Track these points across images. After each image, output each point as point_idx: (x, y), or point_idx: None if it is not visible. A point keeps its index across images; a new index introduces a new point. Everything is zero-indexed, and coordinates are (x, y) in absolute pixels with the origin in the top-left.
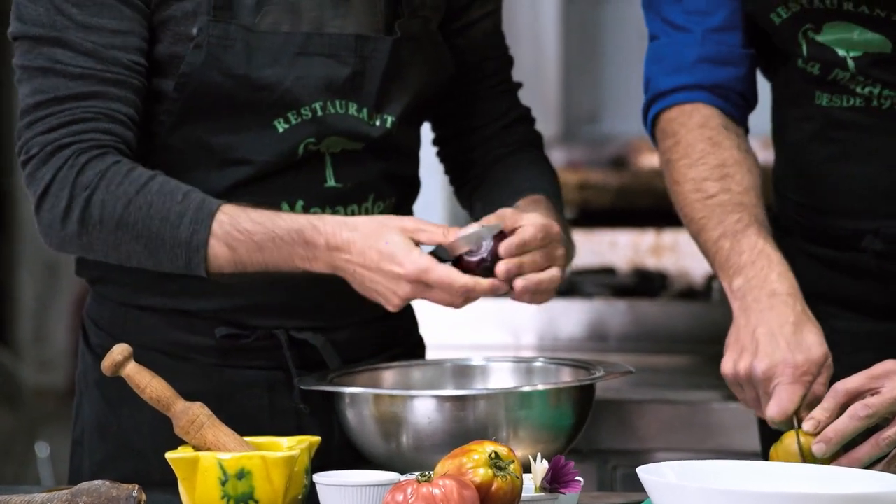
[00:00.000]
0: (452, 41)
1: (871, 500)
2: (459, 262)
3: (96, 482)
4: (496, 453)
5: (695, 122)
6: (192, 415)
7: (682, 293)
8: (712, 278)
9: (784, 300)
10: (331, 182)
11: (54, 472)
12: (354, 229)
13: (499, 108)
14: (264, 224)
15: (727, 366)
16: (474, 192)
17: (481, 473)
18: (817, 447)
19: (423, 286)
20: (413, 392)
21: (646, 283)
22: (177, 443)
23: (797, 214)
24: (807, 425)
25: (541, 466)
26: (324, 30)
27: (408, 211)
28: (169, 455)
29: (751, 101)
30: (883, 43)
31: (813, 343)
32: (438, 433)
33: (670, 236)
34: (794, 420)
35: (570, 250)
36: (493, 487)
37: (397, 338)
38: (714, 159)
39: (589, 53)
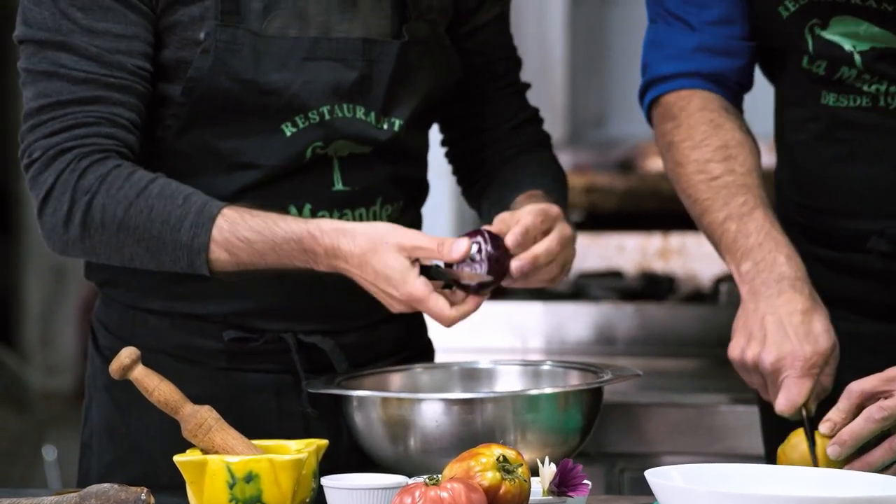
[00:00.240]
0: (460, 44)
1: None
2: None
3: (105, 485)
4: (504, 457)
5: (695, 106)
6: (200, 418)
7: (690, 296)
8: (720, 281)
9: (792, 284)
10: (338, 186)
11: (61, 475)
12: (353, 240)
13: (507, 109)
14: (263, 233)
15: (735, 351)
16: (482, 192)
17: (489, 477)
18: (832, 450)
19: (414, 307)
20: (421, 395)
21: (653, 287)
22: (185, 446)
23: (799, 216)
24: (823, 427)
25: (549, 470)
26: (331, 34)
27: (416, 214)
28: (177, 458)
29: (746, 87)
30: (890, 38)
31: (821, 333)
32: (446, 436)
33: (677, 239)
34: (802, 412)
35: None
36: (502, 491)
37: (406, 341)
38: (717, 141)
39: (595, 56)
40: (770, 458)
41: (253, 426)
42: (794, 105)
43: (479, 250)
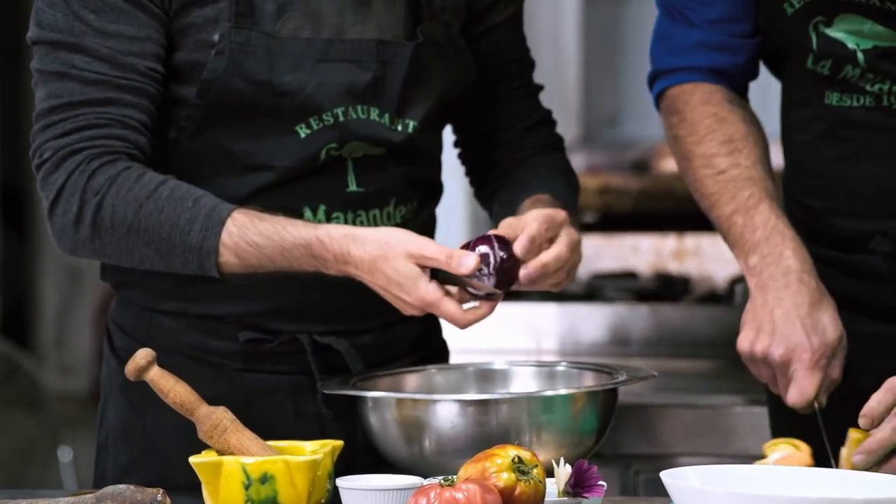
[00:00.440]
0: (474, 45)
1: None
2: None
3: (121, 486)
4: (519, 457)
5: (697, 100)
6: (215, 419)
7: (705, 297)
8: (735, 282)
9: (799, 277)
10: (353, 187)
11: (77, 476)
12: (363, 247)
13: (520, 110)
14: (272, 238)
15: (744, 344)
16: (494, 194)
17: (504, 478)
18: (858, 458)
19: (426, 311)
20: (436, 396)
21: (668, 288)
22: (201, 447)
23: (804, 216)
24: (862, 421)
25: (564, 471)
26: (345, 35)
27: (430, 215)
28: (192, 459)
29: (750, 77)
30: (893, 36)
31: (828, 324)
32: (461, 437)
33: (692, 240)
34: (814, 404)
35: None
36: (517, 492)
37: (421, 342)
38: (721, 135)
39: (609, 56)
40: None
41: (268, 427)
42: (798, 105)
43: (488, 261)
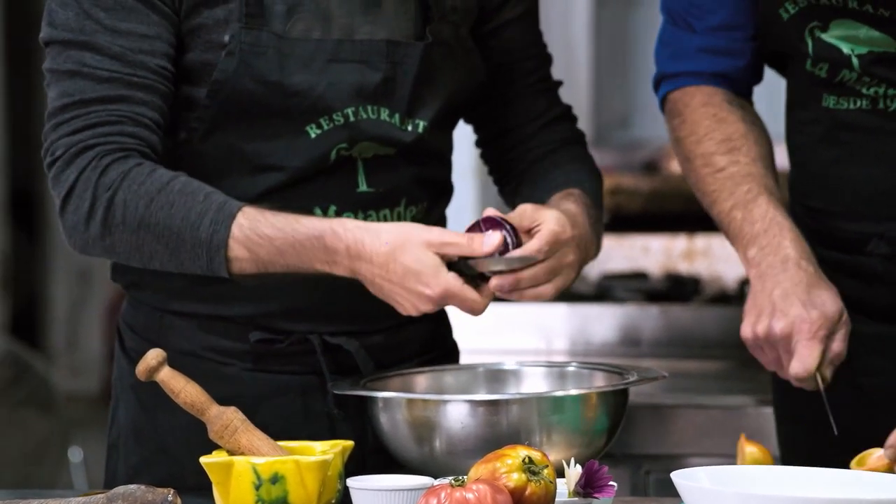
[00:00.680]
0: (487, 41)
1: None
2: (484, 276)
3: (131, 486)
4: (530, 458)
5: (698, 101)
6: (226, 419)
7: (715, 298)
8: (745, 283)
9: (797, 263)
10: (363, 187)
11: (87, 476)
12: (377, 238)
13: (538, 106)
14: (284, 230)
15: (746, 330)
16: (516, 190)
17: (515, 478)
18: (889, 452)
19: (443, 304)
20: (446, 396)
21: (678, 288)
22: (211, 447)
23: (807, 218)
24: (889, 452)
25: (574, 471)
26: (355, 36)
27: (440, 215)
28: (203, 459)
29: (754, 80)
30: (888, 41)
31: (827, 299)
32: (472, 438)
33: (703, 241)
34: (817, 377)
35: (591, 249)
36: (527, 492)
37: (432, 343)
38: (720, 134)
39: (620, 58)
40: (784, 447)
41: (279, 427)
42: (798, 107)
43: (506, 245)
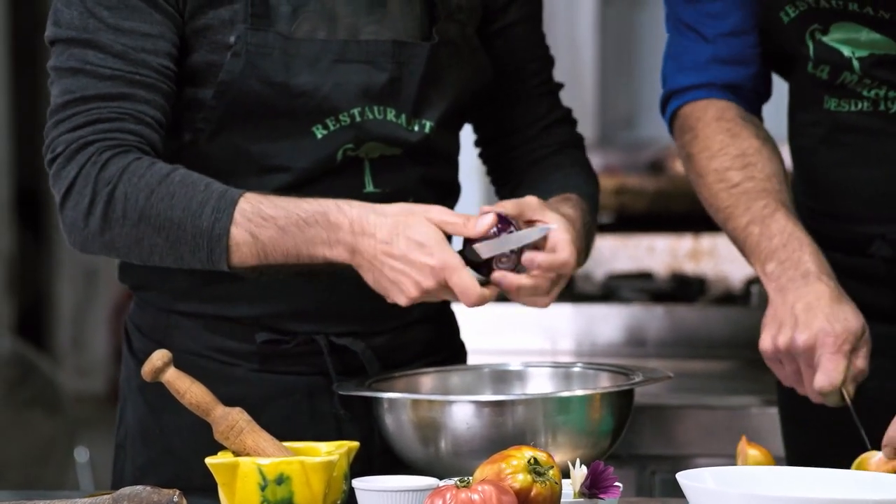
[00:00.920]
0: (491, 43)
1: None
2: (488, 264)
3: (138, 487)
4: (535, 459)
5: (711, 116)
6: (231, 420)
7: (721, 298)
8: (751, 283)
9: (818, 277)
10: (369, 188)
11: (94, 477)
12: (382, 214)
13: (539, 109)
14: (287, 208)
15: (766, 342)
16: (514, 191)
17: (520, 479)
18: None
19: (443, 285)
20: (451, 397)
21: (684, 288)
22: (217, 448)
23: (809, 219)
24: (886, 451)
25: (580, 472)
26: (360, 36)
27: None
28: (209, 460)
29: (763, 96)
30: (889, 44)
31: (850, 314)
32: (477, 438)
33: (708, 241)
34: (842, 392)
35: (580, 257)
36: (533, 493)
37: (438, 343)
38: (734, 150)
39: (625, 58)
40: (789, 447)
41: (284, 428)
42: (800, 109)
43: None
